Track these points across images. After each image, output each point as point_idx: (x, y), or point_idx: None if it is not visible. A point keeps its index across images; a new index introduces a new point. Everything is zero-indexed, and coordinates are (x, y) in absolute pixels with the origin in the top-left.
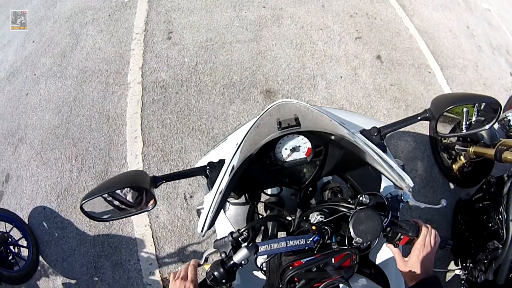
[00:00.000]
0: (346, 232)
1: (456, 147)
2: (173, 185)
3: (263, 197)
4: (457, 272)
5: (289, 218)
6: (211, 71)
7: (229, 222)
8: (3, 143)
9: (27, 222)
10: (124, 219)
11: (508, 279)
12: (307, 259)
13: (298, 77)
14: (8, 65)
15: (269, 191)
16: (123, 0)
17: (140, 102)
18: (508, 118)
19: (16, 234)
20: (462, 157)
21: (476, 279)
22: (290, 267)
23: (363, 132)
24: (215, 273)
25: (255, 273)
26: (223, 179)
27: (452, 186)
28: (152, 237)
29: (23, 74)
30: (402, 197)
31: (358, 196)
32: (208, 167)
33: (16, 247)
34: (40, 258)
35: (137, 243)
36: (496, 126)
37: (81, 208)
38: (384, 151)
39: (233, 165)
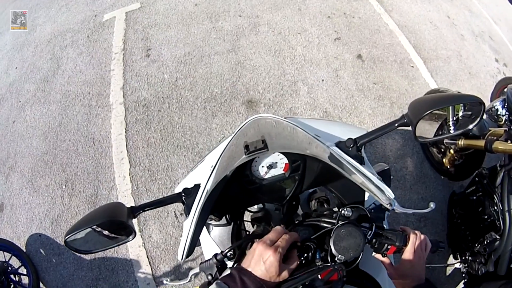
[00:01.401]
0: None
1: (445, 141)
2: None
3: (248, 213)
4: (457, 265)
5: None
6: (191, 86)
7: (214, 243)
8: None
9: (24, 250)
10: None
11: (508, 269)
12: (292, 277)
13: (279, 84)
14: None
15: (254, 207)
16: (101, 20)
17: (123, 122)
18: (496, 107)
19: (15, 262)
20: (452, 150)
21: (477, 272)
22: (275, 286)
23: (339, 144)
24: None
25: None
26: (198, 205)
27: (444, 180)
28: (147, 257)
29: (9, 101)
30: (388, 206)
31: (340, 210)
32: (183, 194)
33: (16, 276)
34: (41, 285)
35: (133, 264)
36: (484, 116)
37: (65, 243)
38: (362, 162)
39: (207, 189)
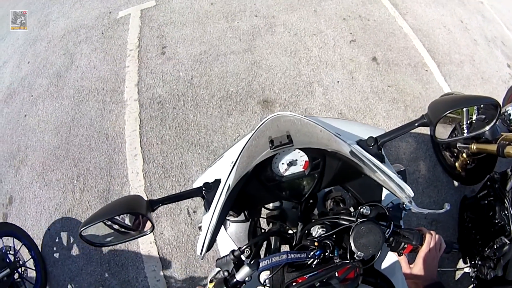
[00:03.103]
0: (348, 244)
1: (457, 145)
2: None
3: (264, 210)
4: (466, 270)
5: (291, 232)
6: (207, 84)
7: (230, 239)
8: (5, 166)
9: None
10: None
11: None
12: (310, 274)
13: (295, 84)
14: (5, 87)
15: (270, 205)
16: (115, 17)
17: (138, 119)
18: (509, 112)
19: (23, 252)
20: (464, 155)
21: (486, 276)
22: (294, 283)
23: (360, 142)
24: None
25: None
26: (219, 200)
27: (456, 184)
28: (158, 254)
29: (21, 95)
30: (404, 205)
31: (359, 208)
32: (204, 188)
33: (24, 269)
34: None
35: (143, 260)
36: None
37: (80, 235)
38: (382, 161)
39: (229, 185)
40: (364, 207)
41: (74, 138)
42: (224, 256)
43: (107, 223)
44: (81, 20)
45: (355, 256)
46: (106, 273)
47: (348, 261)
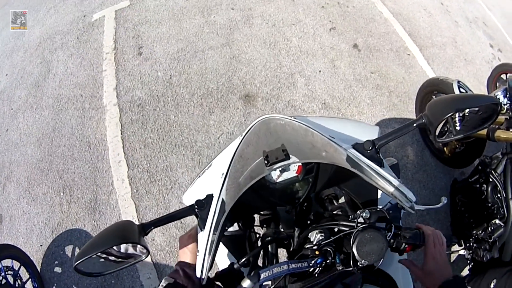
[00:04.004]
0: (349, 249)
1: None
2: (164, 205)
3: (257, 216)
4: (462, 252)
5: (287, 235)
6: (186, 83)
7: (227, 250)
8: None
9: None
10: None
11: None
12: (314, 283)
13: (276, 77)
14: None
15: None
16: (90, 20)
17: (119, 124)
18: (498, 97)
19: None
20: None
21: (482, 258)
22: None
23: (356, 146)
24: None
25: None
26: (213, 219)
27: (445, 167)
28: (152, 261)
29: (1, 109)
30: (403, 206)
31: (358, 212)
32: (196, 206)
33: None
34: None
35: (138, 269)
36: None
37: (75, 269)
38: (381, 165)
39: (223, 200)
40: (364, 212)
41: (57, 149)
42: (224, 269)
43: (101, 255)
44: (56, 26)
45: (358, 264)
46: (102, 285)
47: (351, 269)
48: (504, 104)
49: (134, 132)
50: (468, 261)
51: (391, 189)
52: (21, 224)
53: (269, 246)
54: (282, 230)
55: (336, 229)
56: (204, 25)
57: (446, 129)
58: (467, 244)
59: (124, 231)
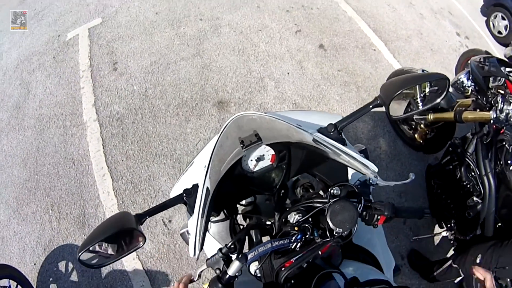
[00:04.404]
0: (325, 224)
1: (414, 117)
2: None
3: (240, 208)
4: (444, 234)
5: (269, 222)
6: (161, 94)
7: (214, 239)
8: None
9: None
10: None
11: (495, 230)
12: (296, 257)
13: (247, 82)
14: None
15: (244, 201)
16: (65, 39)
17: (100, 139)
18: (461, 80)
19: None
20: (422, 125)
21: (465, 237)
22: (282, 268)
23: (321, 130)
24: None
25: (251, 283)
26: (201, 202)
27: (418, 154)
28: (143, 269)
29: None
30: (371, 181)
31: (329, 190)
32: (184, 195)
33: None
34: None
35: (130, 278)
36: (451, 89)
37: (79, 260)
38: (344, 144)
39: (207, 187)
40: (334, 188)
41: (42, 167)
42: (213, 256)
43: (100, 245)
44: (32, 47)
45: (334, 233)
46: None
47: (328, 239)
48: (469, 87)
49: (115, 146)
50: (452, 242)
51: (355, 163)
52: (14, 244)
53: (253, 234)
54: (264, 219)
55: (311, 207)
56: (174, 37)
57: (409, 109)
58: (448, 225)
59: (121, 220)
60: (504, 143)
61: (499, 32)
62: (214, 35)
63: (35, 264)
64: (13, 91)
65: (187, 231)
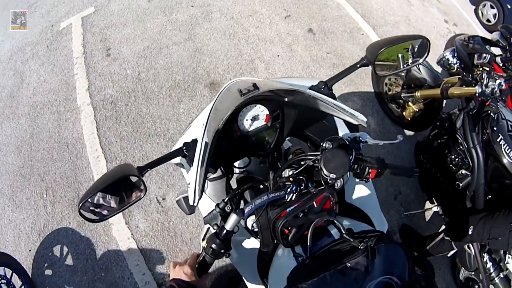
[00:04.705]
0: (319, 177)
1: (402, 95)
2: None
3: (236, 171)
4: (435, 209)
5: (265, 184)
6: (154, 77)
7: (211, 200)
8: None
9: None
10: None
11: (485, 202)
12: (292, 207)
13: (237, 64)
14: None
15: (238, 164)
16: (58, 29)
17: (94, 122)
18: (447, 57)
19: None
20: (410, 103)
21: (456, 211)
22: (278, 219)
23: (312, 87)
24: (213, 245)
25: (248, 242)
26: (201, 151)
27: (407, 133)
28: (138, 247)
29: None
30: (361, 138)
31: (321, 143)
32: (184, 148)
33: None
34: None
35: (125, 257)
36: (439, 69)
37: (79, 212)
38: (334, 98)
39: (205, 141)
40: (325, 142)
41: (36, 153)
42: (210, 212)
43: (101, 198)
44: (25, 38)
45: (328, 180)
46: (93, 280)
47: (322, 187)
48: (454, 64)
49: (109, 128)
50: (443, 216)
51: (344, 113)
52: (8, 232)
53: (249, 197)
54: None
55: (305, 160)
56: (166, 23)
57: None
58: (439, 200)
59: (123, 169)
60: (489, 112)
61: (488, 21)
62: (206, 20)
63: (30, 250)
64: (6, 82)
65: (183, 198)
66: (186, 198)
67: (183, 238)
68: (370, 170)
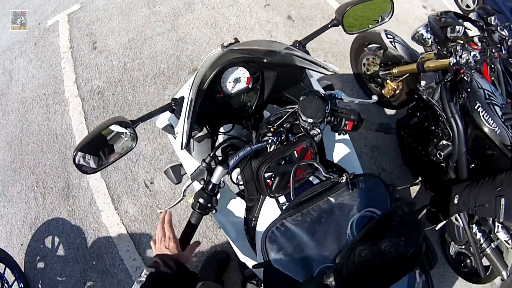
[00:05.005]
0: (299, 130)
1: (380, 73)
2: (132, 177)
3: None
4: (419, 184)
5: (249, 142)
6: (139, 67)
7: (196, 161)
8: None
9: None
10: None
11: (469, 171)
12: (273, 154)
13: None
14: None
15: (222, 129)
16: (45, 26)
17: (82, 112)
18: (420, 32)
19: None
20: (388, 81)
21: (440, 182)
22: (261, 166)
23: (287, 47)
24: (200, 200)
25: (234, 203)
26: (187, 106)
27: (388, 112)
28: (127, 233)
29: None
30: (336, 95)
31: (299, 98)
32: (173, 103)
33: None
34: None
35: (115, 244)
36: (415, 46)
37: (74, 161)
38: (308, 54)
39: (191, 98)
40: (302, 96)
41: (26, 147)
42: (196, 168)
43: (96, 150)
44: (13, 37)
45: (307, 126)
46: (84, 269)
47: (301, 134)
48: (428, 38)
49: (97, 117)
50: (428, 190)
51: (316, 65)
52: (0, 228)
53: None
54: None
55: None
56: (150, 15)
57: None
58: (423, 174)
59: (116, 118)
60: (463, 76)
61: (467, 6)
62: (188, 11)
63: (22, 245)
64: None
65: (170, 167)
66: (173, 167)
67: (173, 218)
68: (346, 122)
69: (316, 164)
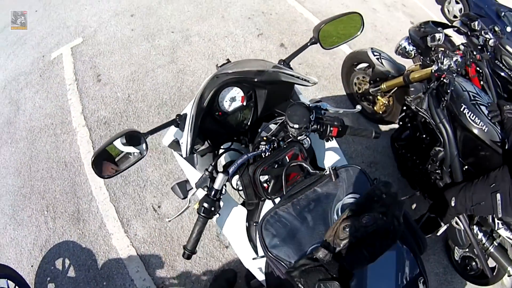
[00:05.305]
0: (289, 138)
1: (370, 91)
2: (140, 202)
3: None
4: (418, 194)
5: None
6: (143, 98)
7: (199, 173)
8: None
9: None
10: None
11: (463, 173)
12: (266, 159)
13: None
14: None
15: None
16: (49, 58)
17: (90, 141)
18: (403, 45)
19: None
20: (379, 97)
21: (437, 190)
22: (256, 170)
23: (275, 65)
24: (205, 204)
25: (234, 210)
26: (190, 120)
27: (383, 128)
28: (137, 254)
29: None
30: (321, 106)
31: (287, 110)
32: (177, 118)
33: None
34: None
35: (125, 265)
36: (400, 59)
37: (92, 164)
38: (292, 70)
39: (193, 114)
40: (289, 106)
41: (36, 173)
42: (200, 177)
43: (110, 158)
44: (18, 69)
45: (294, 133)
46: None
47: (291, 140)
48: (411, 50)
49: None
50: (426, 199)
51: (299, 78)
52: (10, 250)
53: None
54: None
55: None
56: (150, 49)
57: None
58: (420, 185)
59: (128, 129)
60: (445, 80)
61: (455, 16)
62: (186, 44)
63: (32, 266)
64: (3, 110)
65: (177, 184)
66: (179, 184)
67: (179, 241)
68: (332, 129)
69: (304, 165)
